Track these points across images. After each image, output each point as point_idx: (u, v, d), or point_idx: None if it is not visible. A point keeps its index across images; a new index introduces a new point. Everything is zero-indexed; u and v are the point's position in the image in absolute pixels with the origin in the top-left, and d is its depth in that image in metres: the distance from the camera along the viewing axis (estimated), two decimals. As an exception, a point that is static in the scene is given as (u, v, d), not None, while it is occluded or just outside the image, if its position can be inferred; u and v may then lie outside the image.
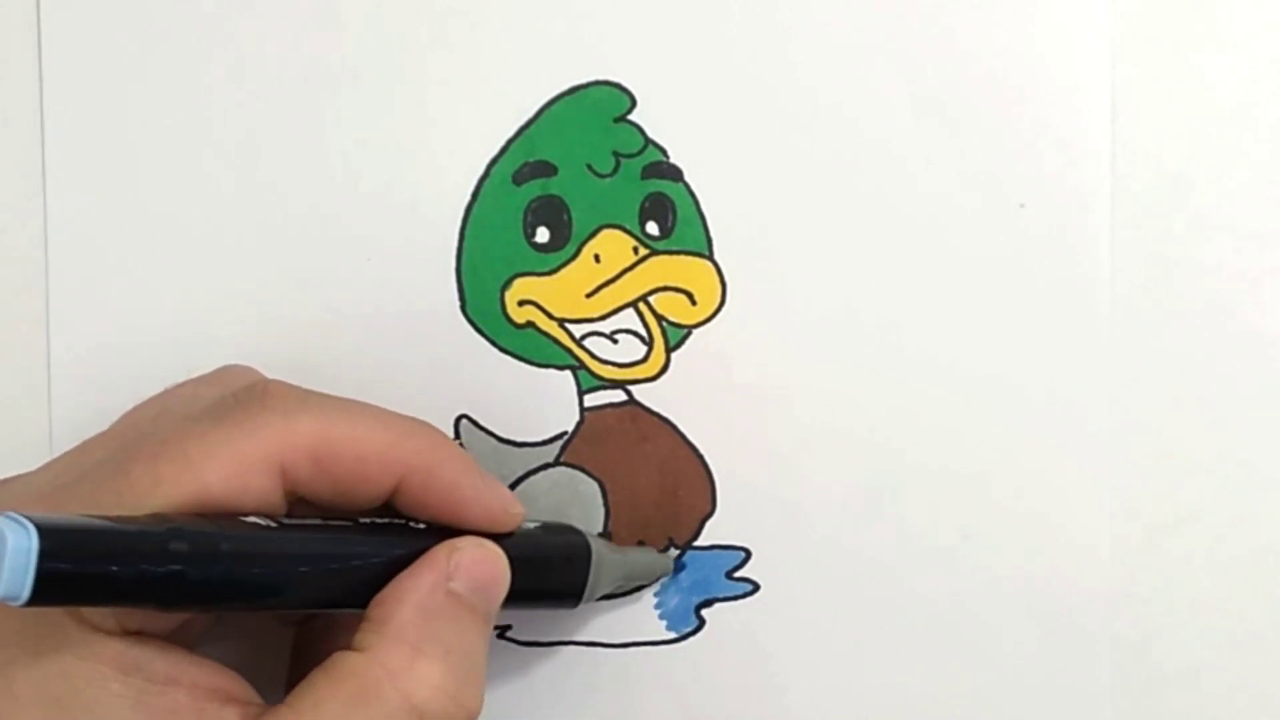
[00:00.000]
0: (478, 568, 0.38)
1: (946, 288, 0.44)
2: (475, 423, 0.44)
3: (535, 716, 0.44)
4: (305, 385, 0.39)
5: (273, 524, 0.36)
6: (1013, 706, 0.44)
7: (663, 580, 0.44)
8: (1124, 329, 0.44)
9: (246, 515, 0.36)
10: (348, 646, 0.36)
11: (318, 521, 0.37)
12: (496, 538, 0.39)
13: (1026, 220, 0.44)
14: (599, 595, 0.42)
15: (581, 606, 0.42)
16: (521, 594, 0.39)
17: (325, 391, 0.39)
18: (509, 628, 0.44)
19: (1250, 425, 0.44)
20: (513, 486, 0.44)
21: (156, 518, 0.34)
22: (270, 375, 0.41)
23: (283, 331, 0.44)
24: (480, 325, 0.44)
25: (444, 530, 0.38)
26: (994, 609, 0.44)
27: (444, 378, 0.44)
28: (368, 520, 0.38)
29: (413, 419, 0.39)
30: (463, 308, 0.44)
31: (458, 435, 0.44)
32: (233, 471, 0.36)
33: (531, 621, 0.44)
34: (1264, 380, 0.44)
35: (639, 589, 0.44)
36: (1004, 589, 0.44)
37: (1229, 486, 0.44)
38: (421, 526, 0.38)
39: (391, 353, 0.44)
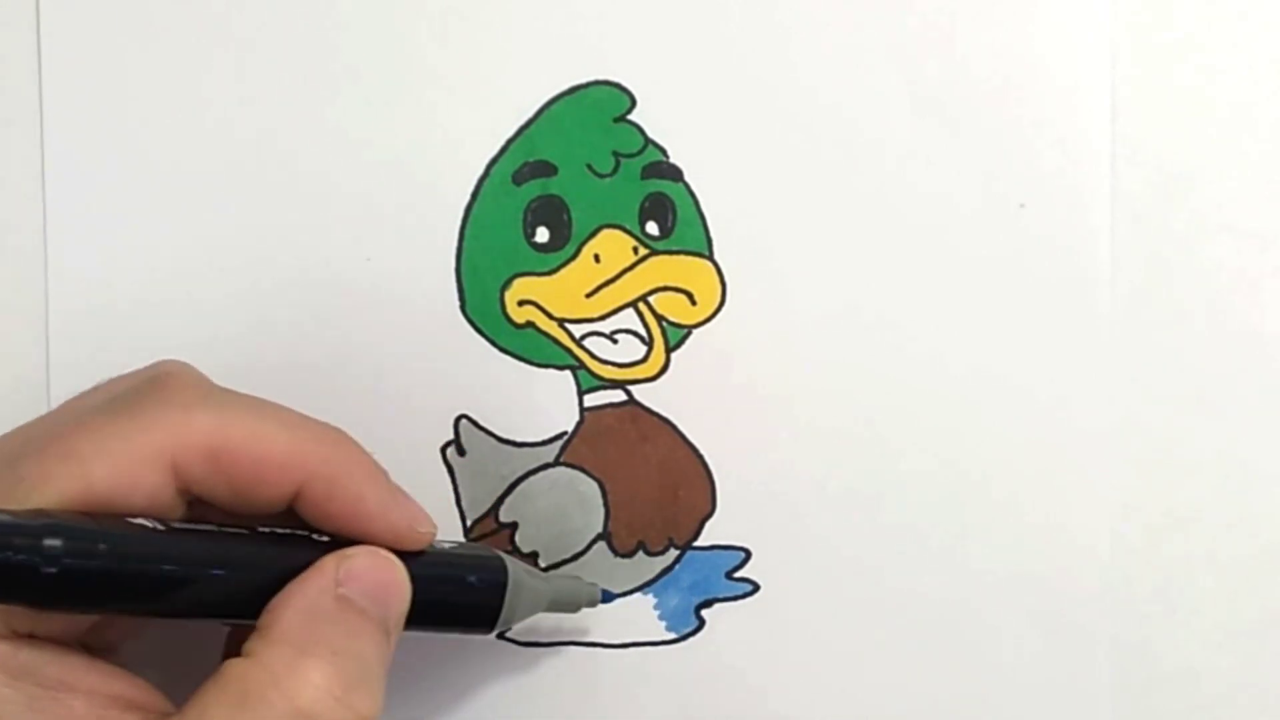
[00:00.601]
0: (369, 574, 0.36)
1: (947, 288, 0.44)
2: (475, 423, 0.44)
3: (535, 716, 0.44)
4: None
5: (160, 526, 0.34)
6: (1013, 706, 0.44)
7: (588, 608, 0.43)
8: (1124, 329, 0.44)
9: (136, 514, 0.35)
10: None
11: (209, 528, 0.36)
12: (406, 556, 0.37)
13: (1026, 220, 0.44)
14: (518, 622, 0.41)
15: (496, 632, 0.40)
16: (429, 615, 0.38)
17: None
18: (508, 628, 0.44)
19: (1250, 425, 0.44)
20: (512, 487, 0.44)
21: (37, 513, 0.33)
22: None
23: (283, 331, 0.44)
24: (480, 325, 0.44)
25: (347, 544, 0.37)
26: (994, 609, 0.44)
27: (444, 378, 0.44)
28: (266, 530, 0.37)
29: (323, 424, 0.38)
30: (463, 308, 0.44)
31: (458, 435, 0.44)
32: (121, 467, 0.35)
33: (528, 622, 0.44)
34: (1264, 380, 0.44)
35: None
36: (1004, 589, 0.44)
37: (1229, 486, 0.44)
38: (324, 539, 0.37)
39: (391, 353, 0.44)
